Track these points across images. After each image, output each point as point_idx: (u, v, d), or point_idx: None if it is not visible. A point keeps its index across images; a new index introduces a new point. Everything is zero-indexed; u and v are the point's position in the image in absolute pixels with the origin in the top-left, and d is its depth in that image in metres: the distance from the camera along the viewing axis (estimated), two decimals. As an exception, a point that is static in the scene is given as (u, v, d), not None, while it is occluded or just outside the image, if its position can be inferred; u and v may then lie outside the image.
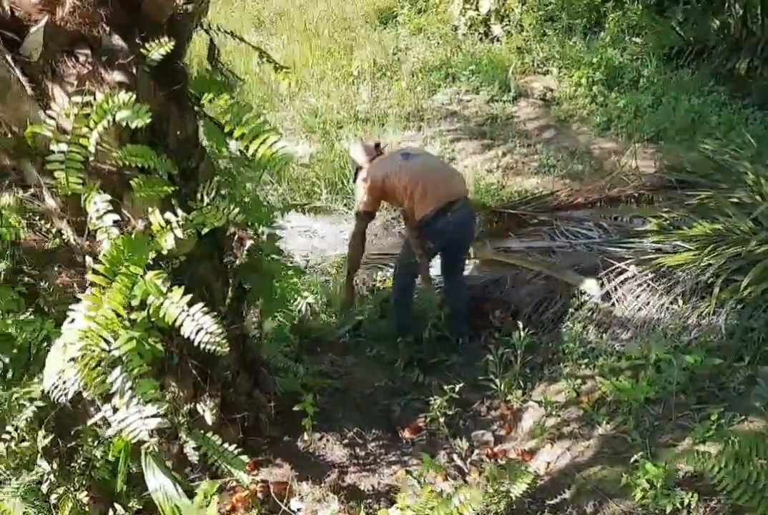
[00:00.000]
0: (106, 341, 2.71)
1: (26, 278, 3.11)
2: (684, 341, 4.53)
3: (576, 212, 5.83)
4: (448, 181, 4.97)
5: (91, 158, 2.83)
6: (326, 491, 3.52)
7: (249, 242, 3.23)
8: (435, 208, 4.78)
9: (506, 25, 9.38)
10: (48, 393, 3.01)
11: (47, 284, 3.13)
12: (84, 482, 3.28)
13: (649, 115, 8.05)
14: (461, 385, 4.23)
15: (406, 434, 4.34)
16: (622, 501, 3.57)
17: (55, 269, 3.12)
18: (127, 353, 2.92)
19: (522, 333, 4.53)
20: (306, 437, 3.83)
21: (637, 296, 5.01)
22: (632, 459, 3.69)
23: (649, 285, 4.96)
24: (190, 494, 3.18)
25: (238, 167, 3.27)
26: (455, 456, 4.08)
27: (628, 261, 5.08)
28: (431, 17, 10.02)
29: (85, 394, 2.94)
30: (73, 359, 2.75)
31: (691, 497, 3.24)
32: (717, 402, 4.06)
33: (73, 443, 3.36)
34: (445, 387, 4.23)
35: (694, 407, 4.05)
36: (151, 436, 2.93)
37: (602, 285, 5.08)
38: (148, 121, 2.65)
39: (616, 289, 5.06)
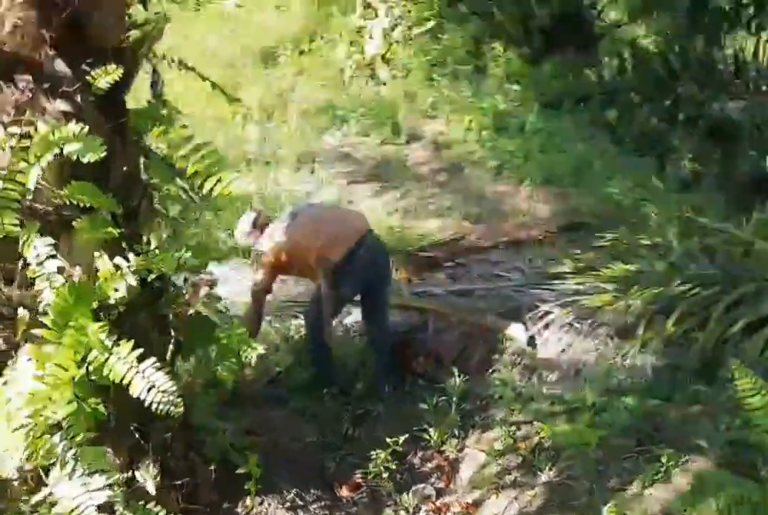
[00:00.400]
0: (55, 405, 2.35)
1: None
2: (614, 383, 4.52)
3: (490, 255, 5.81)
4: (345, 221, 4.91)
5: (29, 197, 2.49)
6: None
7: (204, 290, 2.93)
8: (344, 251, 4.62)
9: (392, 68, 9.41)
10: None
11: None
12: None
13: (539, 160, 8.22)
14: (404, 437, 4.03)
15: (344, 492, 4.09)
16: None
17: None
18: (67, 418, 2.57)
19: (457, 380, 4.40)
20: (248, 501, 3.51)
21: (560, 339, 5.00)
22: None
23: (572, 327, 4.96)
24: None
25: (184, 206, 2.98)
26: (402, 514, 3.85)
27: (551, 303, 5.07)
28: (315, 59, 9.94)
29: (27, 466, 2.53)
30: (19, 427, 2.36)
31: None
32: (656, 442, 4.06)
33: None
34: (388, 440, 4.03)
35: (636, 449, 4.03)
36: (99, 512, 2.56)
37: (527, 329, 5.02)
38: (103, 155, 2.37)
39: (540, 332, 5.02)
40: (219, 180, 2.57)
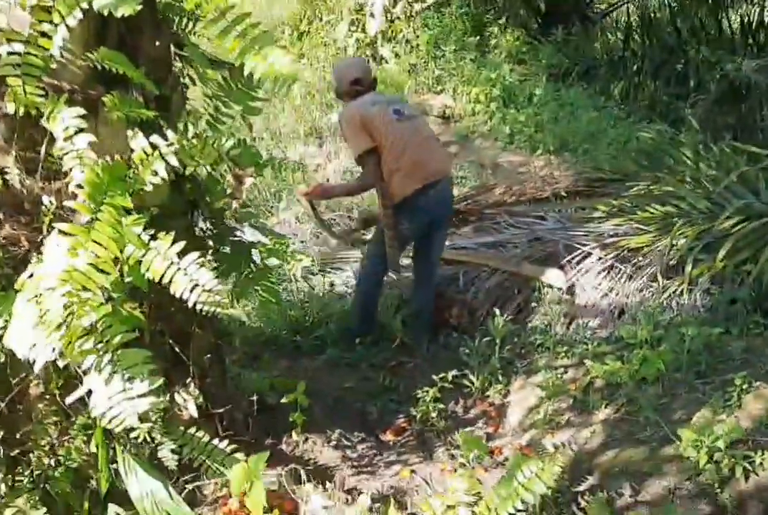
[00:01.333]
0: (96, 284, 2.08)
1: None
2: (666, 320, 4.26)
3: (516, 208, 5.56)
4: (434, 156, 4.48)
5: (53, 65, 2.23)
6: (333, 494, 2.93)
7: (249, 180, 2.66)
8: (417, 187, 4.32)
9: (395, 46, 9.22)
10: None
11: (-14, 238, 2.45)
12: (37, 497, 2.53)
13: (550, 130, 8.03)
14: (452, 373, 3.77)
15: (389, 436, 3.82)
16: (661, 478, 3.18)
17: (-4, 219, 2.44)
18: (102, 319, 2.29)
19: (500, 320, 4.14)
20: (294, 436, 3.22)
21: (600, 283, 4.75)
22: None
23: (613, 269, 4.70)
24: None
25: (221, 96, 2.71)
26: (455, 453, 3.57)
27: (591, 245, 4.82)
28: (315, 40, 9.74)
29: (60, 362, 2.25)
30: (47, 314, 2.08)
31: (762, 455, 2.89)
32: (720, 373, 3.81)
33: (18, 450, 2.60)
34: (434, 377, 3.76)
35: (699, 381, 3.77)
36: (141, 421, 2.28)
37: (565, 274, 4.77)
38: (139, 7, 2.11)
39: (579, 277, 4.77)
40: (263, 58, 2.32)
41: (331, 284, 5.16)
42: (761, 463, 2.89)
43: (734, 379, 3.48)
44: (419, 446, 3.69)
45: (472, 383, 4.17)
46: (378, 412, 3.99)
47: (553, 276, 4.79)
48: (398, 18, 9.25)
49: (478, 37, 9.28)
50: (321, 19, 9.90)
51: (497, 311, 4.19)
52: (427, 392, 3.79)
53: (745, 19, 8.88)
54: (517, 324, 4.73)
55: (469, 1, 9.68)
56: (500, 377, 4.22)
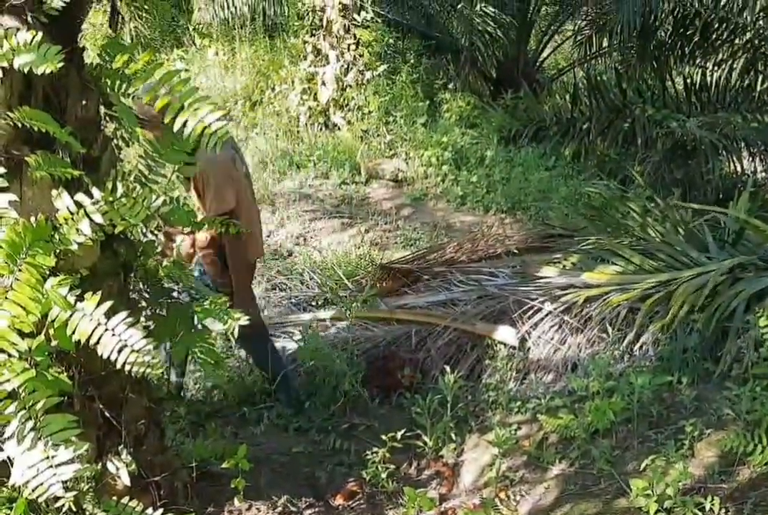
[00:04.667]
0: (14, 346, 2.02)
1: None
2: (618, 370, 4.25)
3: (468, 266, 5.58)
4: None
5: (-27, 127, 2.22)
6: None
7: (179, 238, 2.63)
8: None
9: (347, 113, 9.38)
10: None
11: None
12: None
13: (502, 189, 8.17)
14: (403, 431, 3.69)
15: (339, 501, 3.70)
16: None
17: None
18: (24, 385, 2.22)
19: (452, 378, 4.09)
20: (237, 503, 3.11)
21: (552, 338, 4.74)
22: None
23: (563, 323, 4.70)
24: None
25: (151, 158, 2.71)
26: (407, 516, 3.47)
27: (541, 300, 4.83)
28: (268, 109, 9.88)
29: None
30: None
31: (712, 501, 2.84)
32: (671, 422, 3.79)
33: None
34: (384, 437, 3.69)
35: (652, 430, 3.75)
36: (67, 490, 2.18)
37: (516, 330, 4.76)
38: (60, 65, 2.11)
39: (530, 332, 4.76)
40: (193, 114, 2.33)
41: (282, 349, 5.08)
42: (711, 509, 2.85)
43: (685, 427, 3.46)
44: (369, 509, 3.59)
45: (425, 444, 4.10)
46: (327, 476, 3.88)
47: (504, 333, 4.77)
48: (349, 86, 9.45)
49: (428, 103, 9.48)
50: (273, 90, 10.08)
51: (448, 370, 4.13)
52: (377, 453, 3.71)
53: (688, 80, 9.21)
54: (471, 382, 4.69)
55: (419, 69, 9.92)
56: (454, 436, 4.15)
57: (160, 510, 2.64)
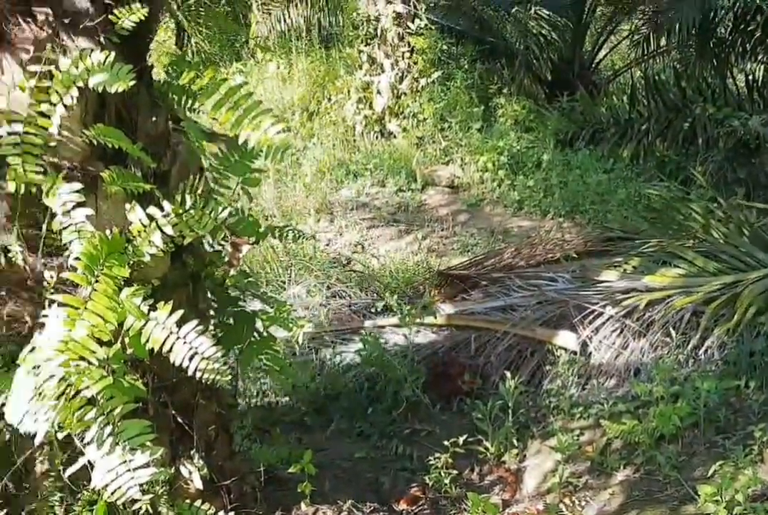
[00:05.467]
0: (93, 354, 2.11)
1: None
2: (683, 376, 4.20)
3: (526, 271, 5.58)
4: None
5: (52, 143, 2.32)
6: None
7: (246, 248, 2.71)
8: None
9: (402, 120, 9.44)
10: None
11: (-11, 315, 2.48)
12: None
13: (560, 193, 8.11)
14: (464, 437, 3.72)
15: (402, 505, 3.75)
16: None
17: (1, 295, 2.48)
18: (102, 392, 2.31)
19: (513, 384, 4.10)
20: (304, 507, 3.17)
21: (613, 342, 4.70)
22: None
23: (626, 326, 4.66)
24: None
25: (216, 170, 2.79)
26: (471, 521, 3.49)
27: (602, 304, 4.80)
28: (324, 119, 9.99)
29: (60, 435, 2.26)
30: (44, 384, 2.10)
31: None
32: (737, 429, 3.73)
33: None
34: (446, 443, 3.72)
35: (720, 436, 3.70)
36: (143, 493, 2.27)
37: (577, 335, 4.73)
38: (131, 83, 2.20)
39: (591, 337, 4.73)
40: (256, 126, 2.40)
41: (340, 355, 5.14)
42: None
43: (754, 432, 3.41)
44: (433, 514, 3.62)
45: (487, 449, 4.11)
46: (390, 481, 3.92)
47: (565, 338, 4.76)
48: (404, 93, 9.49)
49: (483, 108, 9.47)
50: (329, 100, 10.17)
51: (509, 375, 4.14)
52: (440, 458, 3.73)
53: (750, 77, 9.02)
54: (531, 388, 4.68)
55: (473, 74, 9.92)
56: (515, 442, 4.16)
57: (231, 514, 2.72)
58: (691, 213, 5.38)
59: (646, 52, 10.63)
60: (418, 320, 5.16)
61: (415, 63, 9.39)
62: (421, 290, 6.02)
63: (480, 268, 5.73)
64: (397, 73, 9.47)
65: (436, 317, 5.23)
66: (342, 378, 4.82)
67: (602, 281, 5.12)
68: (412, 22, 9.32)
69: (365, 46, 9.57)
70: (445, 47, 10.07)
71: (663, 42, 10.46)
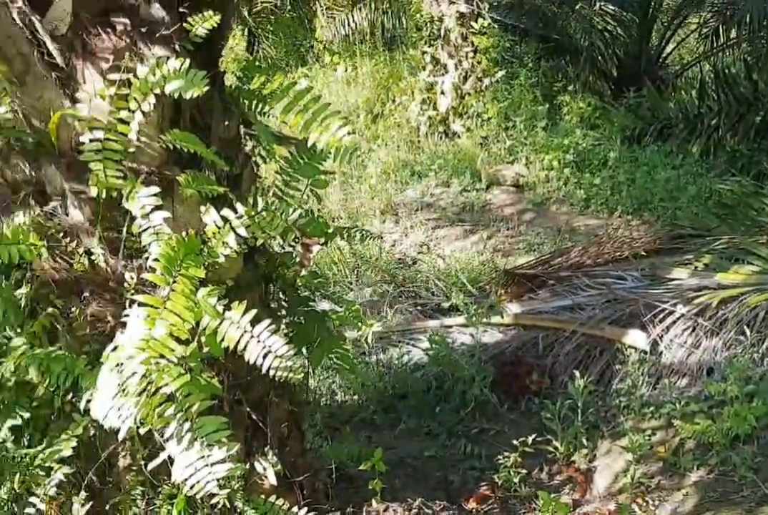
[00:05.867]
0: (172, 352, 2.19)
1: (50, 309, 2.56)
2: (758, 375, 4.12)
3: (594, 270, 5.52)
4: None
5: (131, 149, 2.41)
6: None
7: (316, 248, 2.76)
8: None
9: (466, 120, 9.43)
10: (80, 452, 2.44)
11: (73, 315, 2.58)
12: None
13: (627, 191, 8.00)
14: (533, 436, 3.71)
15: (472, 504, 3.75)
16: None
17: (85, 296, 2.58)
18: (180, 389, 2.38)
19: (581, 383, 4.07)
20: (375, 504, 3.21)
21: (684, 341, 4.63)
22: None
23: (698, 326, 4.58)
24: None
25: (286, 173, 2.86)
26: (542, 520, 3.48)
27: (673, 302, 4.73)
28: (389, 121, 10.05)
29: (142, 430, 2.34)
30: (127, 381, 2.19)
31: None
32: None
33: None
34: (515, 442, 3.72)
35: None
36: (221, 488, 2.33)
37: (647, 334, 4.67)
38: (206, 89, 2.27)
39: (662, 336, 4.66)
40: (325, 129, 2.45)
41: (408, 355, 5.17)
42: None
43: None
44: (503, 513, 3.62)
45: (556, 449, 4.09)
46: (459, 480, 3.94)
47: (634, 337, 4.70)
48: (468, 93, 9.49)
49: (548, 106, 9.40)
50: (393, 101, 10.24)
51: (578, 375, 4.11)
52: (509, 458, 3.73)
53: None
54: (601, 387, 4.64)
55: (538, 72, 9.86)
56: (585, 442, 4.13)
57: (305, 509, 2.77)
58: (764, 208, 5.27)
59: (715, 45, 10.42)
60: (484, 320, 5.15)
61: (479, 62, 9.38)
62: (487, 290, 6.01)
63: (547, 267, 5.70)
64: (460, 74, 9.48)
65: (503, 317, 5.22)
66: (410, 378, 4.86)
67: (672, 279, 5.04)
68: (476, 21, 9.31)
69: (428, 47, 9.59)
70: (508, 46, 10.02)
71: (733, 34, 10.22)
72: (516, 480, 3.77)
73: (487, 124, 9.31)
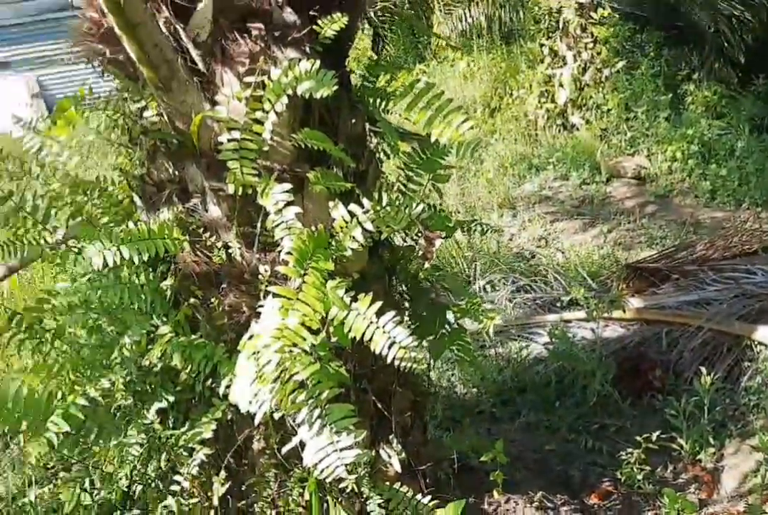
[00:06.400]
0: (304, 341, 2.30)
1: (192, 299, 2.72)
2: None
3: (721, 263, 5.36)
4: None
5: (265, 148, 2.53)
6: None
7: (438, 241, 2.83)
8: None
9: (585, 112, 9.29)
10: (219, 435, 2.59)
11: (212, 306, 2.74)
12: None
13: (756, 182, 7.71)
14: (657, 433, 3.66)
15: (593, 499, 3.73)
16: None
17: (223, 288, 2.73)
18: (311, 377, 2.48)
19: (708, 380, 3.97)
20: (495, 495, 3.25)
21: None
22: None
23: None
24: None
25: (412, 166, 2.93)
26: (668, 519, 3.43)
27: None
28: (506, 115, 10.01)
29: (276, 415, 2.47)
30: (263, 368, 2.31)
31: None
32: None
33: (243, 502, 2.84)
34: (638, 438, 3.67)
35: None
36: (348, 473, 2.43)
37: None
38: (335, 88, 2.36)
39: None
40: (448, 124, 2.50)
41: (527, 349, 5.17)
42: None
43: None
44: (626, 510, 3.60)
45: (681, 447, 4.01)
46: (581, 475, 3.91)
47: (765, 333, 4.55)
48: (587, 85, 9.34)
49: (671, 95, 9.14)
50: (511, 95, 10.18)
51: (704, 371, 4.02)
52: (632, 454, 3.69)
53: None
54: (728, 384, 4.52)
55: (660, 61, 9.59)
56: (712, 441, 4.03)
57: (429, 497, 2.84)
58: None
59: None
60: (605, 314, 5.09)
61: (598, 53, 9.21)
62: (607, 284, 5.92)
63: (670, 261, 5.57)
64: (579, 65, 9.33)
65: (624, 311, 5.14)
66: (529, 371, 4.86)
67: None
68: (595, 11, 9.14)
69: (547, 39, 9.50)
70: (628, 35, 9.79)
71: None
72: (639, 477, 3.73)
73: (607, 115, 9.14)
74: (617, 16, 9.47)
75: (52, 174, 2.68)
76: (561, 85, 9.51)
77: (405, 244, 3.15)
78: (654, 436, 3.76)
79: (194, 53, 2.46)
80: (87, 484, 2.87)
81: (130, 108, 2.63)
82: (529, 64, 10.27)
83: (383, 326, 2.56)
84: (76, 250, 2.62)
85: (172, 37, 2.44)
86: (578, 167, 8.61)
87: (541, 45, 9.62)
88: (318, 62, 2.37)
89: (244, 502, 2.86)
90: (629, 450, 3.85)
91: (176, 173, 2.71)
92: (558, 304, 5.90)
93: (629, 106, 9.03)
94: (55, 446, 2.43)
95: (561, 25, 9.28)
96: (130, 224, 2.58)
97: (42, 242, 2.69)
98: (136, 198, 2.78)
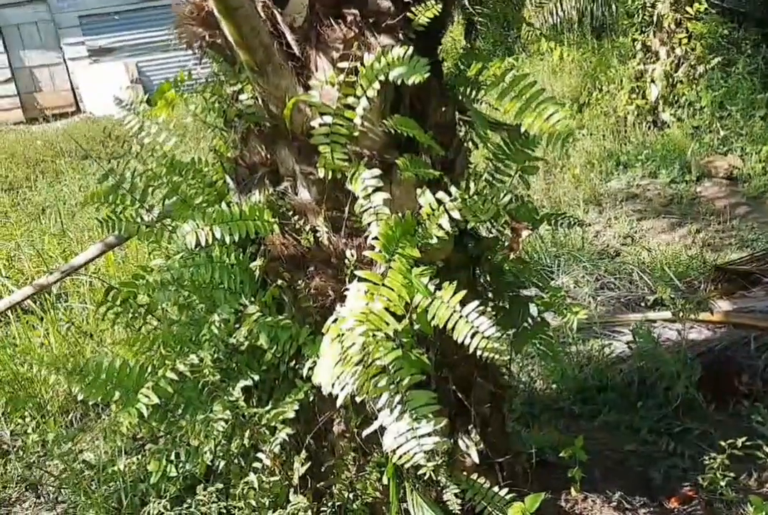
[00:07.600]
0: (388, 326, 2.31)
1: (279, 281, 2.76)
2: None
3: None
4: None
5: (356, 133, 2.54)
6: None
7: (525, 233, 2.80)
8: None
9: (676, 110, 9.06)
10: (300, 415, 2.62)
11: (299, 288, 2.77)
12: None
13: None
14: (743, 439, 3.55)
15: (674, 503, 3.64)
16: None
17: (309, 271, 2.77)
18: (393, 363, 2.49)
19: (800, 385, 3.83)
20: (573, 492, 3.21)
21: None
22: None
23: None
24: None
25: (500, 156, 2.91)
26: (752, 527, 3.32)
27: None
28: (595, 110, 9.84)
29: (358, 398, 2.48)
30: (347, 351, 2.33)
31: None
32: None
33: (322, 483, 2.87)
34: (722, 443, 3.57)
35: None
36: (427, 460, 2.43)
37: None
38: (426, 75, 2.36)
39: None
40: (539, 115, 2.47)
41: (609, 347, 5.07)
42: None
43: None
44: (708, 516, 3.49)
45: (767, 455, 3.87)
46: (661, 478, 3.82)
47: None
48: (680, 82, 9.12)
49: (768, 94, 8.86)
50: (600, 90, 10.02)
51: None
52: (715, 459, 3.58)
53: None
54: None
55: (757, 59, 9.29)
56: (801, 449, 3.88)
57: (505, 490, 2.82)
58: None
59: None
60: (692, 316, 4.96)
61: (693, 49, 8.99)
62: (695, 285, 5.78)
63: (762, 263, 5.38)
64: (672, 61, 9.13)
65: (712, 313, 5.00)
66: (611, 370, 4.77)
67: None
68: (690, 6, 8.92)
69: (640, 34, 9.32)
70: (725, 32, 9.52)
71: None
72: (722, 483, 3.61)
73: (700, 113, 8.93)
74: (714, 11, 9.21)
75: (151, 154, 2.76)
76: (653, 81, 9.33)
77: (491, 235, 3.12)
78: (739, 442, 3.63)
79: (290, 38, 2.49)
80: (173, 456, 2.95)
81: (226, 91, 2.69)
82: (620, 59, 10.10)
83: (467, 316, 2.55)
84: (170, 228, 2.70)
85: (269, 22, 2.47)
86: (668, 165, 8.43)
87: (634, 40, 9.44)
88: (411, 49, 2.37)
89: (322, 483, 2.89)
90: (712, 455, 3.73)
91: (268, 156, 2.75)
92: (642, 303, 5.79)
93: (723, 104, 8.80)
94: (145, 417, 2.51)
95: (655, 20, 9.09)
96: (223, 205, 2.63)
97: (139, 219, 2.77)
98: (229, 180, 2.84)
